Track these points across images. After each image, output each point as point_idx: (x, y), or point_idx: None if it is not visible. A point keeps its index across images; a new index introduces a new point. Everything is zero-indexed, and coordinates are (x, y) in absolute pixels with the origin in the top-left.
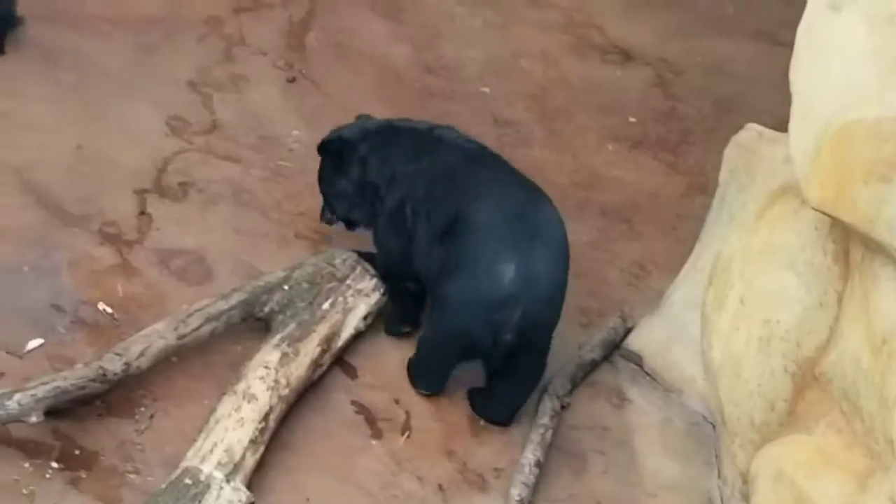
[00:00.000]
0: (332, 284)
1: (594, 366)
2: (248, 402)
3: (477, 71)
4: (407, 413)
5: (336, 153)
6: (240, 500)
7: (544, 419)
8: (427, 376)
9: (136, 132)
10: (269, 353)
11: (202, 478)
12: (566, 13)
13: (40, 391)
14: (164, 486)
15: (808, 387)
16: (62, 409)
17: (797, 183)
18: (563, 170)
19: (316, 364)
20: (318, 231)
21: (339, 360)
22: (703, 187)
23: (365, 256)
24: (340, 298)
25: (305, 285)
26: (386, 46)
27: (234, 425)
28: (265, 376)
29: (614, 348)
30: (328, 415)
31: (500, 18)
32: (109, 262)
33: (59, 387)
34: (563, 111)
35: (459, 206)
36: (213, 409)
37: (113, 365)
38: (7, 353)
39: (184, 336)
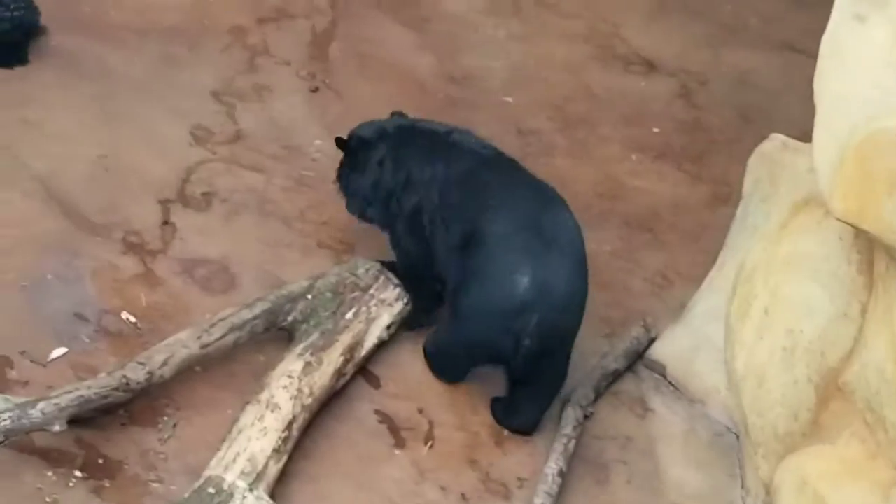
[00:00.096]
0: (356, 294)
1: (617, 376)
2: (272, 411)
3: (500, 81)
4: (430, 422)
5: (353, 151)
6: None
7: (567, 429)
8: (448, 371)
9: (159, 142)
10: (292, 363)
11: (225, 487)
12: (590, 23)
13: (64, 400)
14: (187, 495)
15: (831, 397)
16: (85, 418)
17: (821, 193)
18: (586, 180)
19: (339, 373)
20: (342, 241)
21: (362, 370)
22: (726, 197)
23: (388, 266)
24: (364, 308)
25: (329, 295)
26: (409, 56)
27: (257, 434)
28: (288, 385)
29: (637, 358)
30: (351, 424)
31: (523, 29)
32: (133, 272)
33: (82, 396)
34: (586, 121)
35: (474, 216)
36: (237, 419)
37: (136, 374)
38: (31, 361)
39: (207, 345)
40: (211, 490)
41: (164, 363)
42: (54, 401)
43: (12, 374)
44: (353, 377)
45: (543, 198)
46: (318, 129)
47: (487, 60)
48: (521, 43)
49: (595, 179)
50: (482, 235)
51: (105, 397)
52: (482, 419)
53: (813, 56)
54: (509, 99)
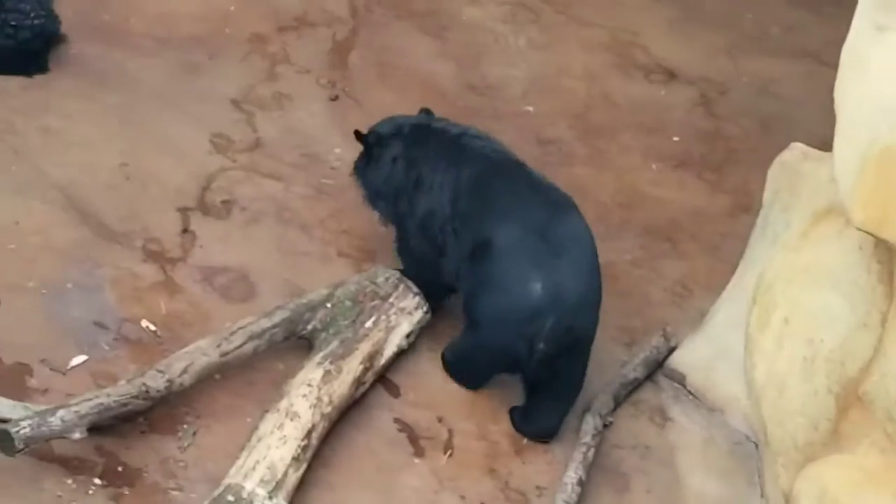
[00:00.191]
0: (375, 303)
1: (637, 385)
2: (291, 419)
3: (521, 90)
4: (449, 431)
5: (370, 146)
6: None
7: (587, 438)
8: (467, 378)
9: (179, 150)
10: (311, 371)
11: (245, 495)
12: (610, 32)
13: (83, 408)
14: (206, 502)
15: (851, 407)
16: (105, 426)
17: (841, 203)
18: (606, 189)
19: (358, 382)
20: (361, 249)
21: (381, 378)
22: (746, 207)
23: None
24: (383, 317)
25: (348, 303)
26: (429, 65)
27: (276, 443)
28: (308, 394)
29: (657, 367)
30: (370, 433)
31: (544, 37)
32: (152, 280)
33: (102, 403)
34: (606, 130)
35: (483, 226)
36: (256, 427)
37: (156, 382)
38: (50, 369)
39: (227, 353)
40: (230, 498)
41: (184, 371)
42: (74, 408)
43: (32, 382)
44: (372, 386)
45: (552, 202)
46: (338, 138)
47: (507, 69)
48: (541, 52)
49: (615, 188)
50: (492, 243)
51: (125, 405)
52: (501, 428)
53: (834, 66)
54: (529, 108)
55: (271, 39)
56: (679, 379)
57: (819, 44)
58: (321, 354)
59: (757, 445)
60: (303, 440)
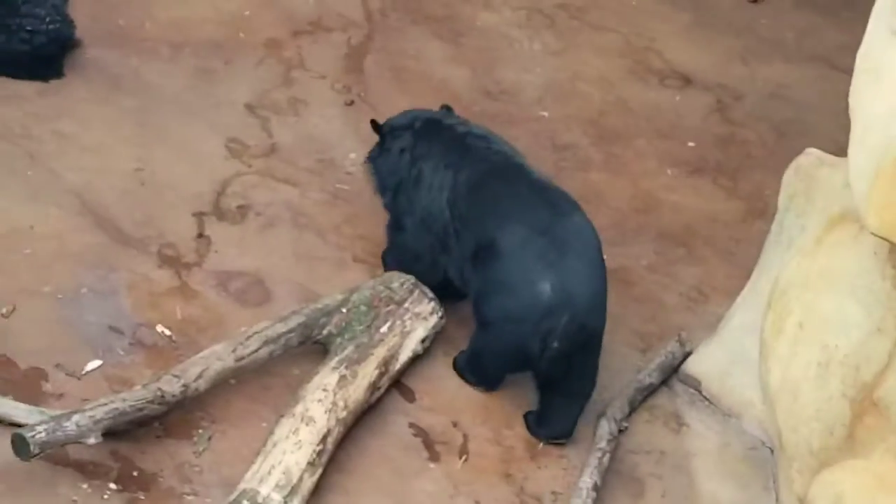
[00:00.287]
0: (390, 308)
1: (652, 390)
2: (306, 424)
3: (536, 95)
4: (465, 436)
5: (384, 136)
6: None
7: (602, 443)
8: (483, 377)
9: (195, 155)
10: (326, 376)
11: (260, 500)
12: (625, 38)
13: (99, 412)
14: None
15: (866, 412)
16: (120, 431)
17: (856, 208)
18: (621, 194)
19: (374, 387)
20: (376, 255)
21: (396, 383)
22: (761, 212)
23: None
24: (398, 322)
25: (363, 308)
26: (444, 70)
27: (291, 447)
28: (323, 399)
29: (672, 372)
30: (386, 437)
31: (559, 43)
32: (168, 285)
33: (117, 408)
34: (621, 135)
35: (487, 228)
36: (271, 432)
37: (171, 387)
38: (66, 374)
39: (242, 358)
40: (246, 502)
41: (199, 376)
42: (89, 413)
43: (47, 387)
44: (387, 390)
45: (554, 201)
46: (353, 143)
47: (522, 74)
48: (556, 57)
49: (630, 194)
50: (498, 244)
51: (140, 410)
52: (517, 433)
53: (849, 71)
54: (544, 113)
55: (286, 44)
56: (694, 384)
57: (834, 49)
58: (336, 359)
59: (772, 451)
60: (318, 445)
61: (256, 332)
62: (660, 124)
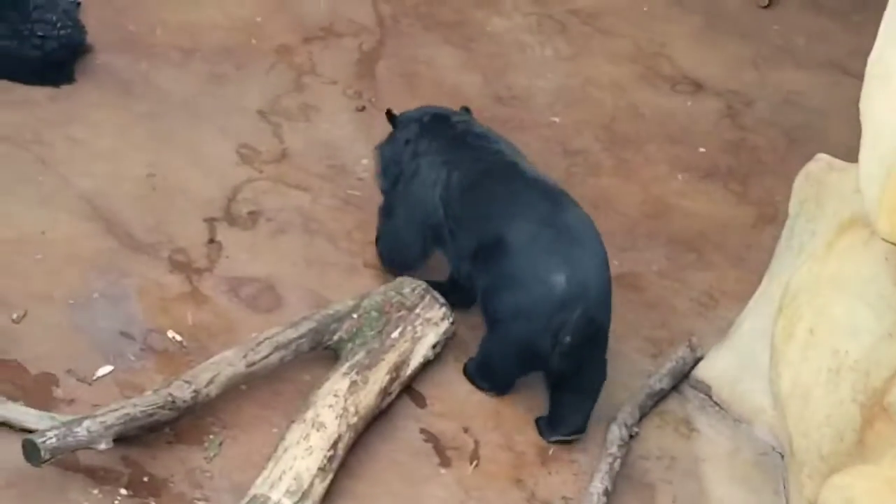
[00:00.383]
0: (402, 313)
1: (663, 395)
2: (317, 430)
3: (547, 101)
4: (475, 442)
5: (395, 126)
6: None
7: (612, 448)
8: (494, 380)
9: (206, 161)
10: (337, 382)
11: None
12: (636, 43)
13: (109, 418)
14: None
15: (876, 417)
16: (131, 436)
17: (867, 214)
18: (632, 199)
19: (385, 392)
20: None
21: (407, 389)
22: (772, 218)
23: (434, 286)
24: (409, 327)
25: (374, 314)
26: (456, 76)
27: (302, 453)
28: (334, 404)
29: (683, 378)
30: (396, 443)
31: (570, 48)
32: (179, 290)
33: (128, 414)
34: (632, 141)
35: (489, 226)
36: (282, 437)
37: (182, 392)
38: (77, 379)
39: (253, 364)
40: None
41: (210, 381)
42: (100, 419)
43: (58, 392)
44: (398, 396)
45: (551, 195)
46: (365, 149)
47: (534, 80)
48: (567, 63)
49: (641, 199)
50: (505, 240)
51: (151, 415)
52: (528, 438)
53: (860, 76)
54: (556, 118)
55: (298, 50)
56: (705, 390)
57: (845, 54)
58: (347, 365)
59: (782, 456)
60: (329, 450)
61: (267, 338)
62: (671, 130)
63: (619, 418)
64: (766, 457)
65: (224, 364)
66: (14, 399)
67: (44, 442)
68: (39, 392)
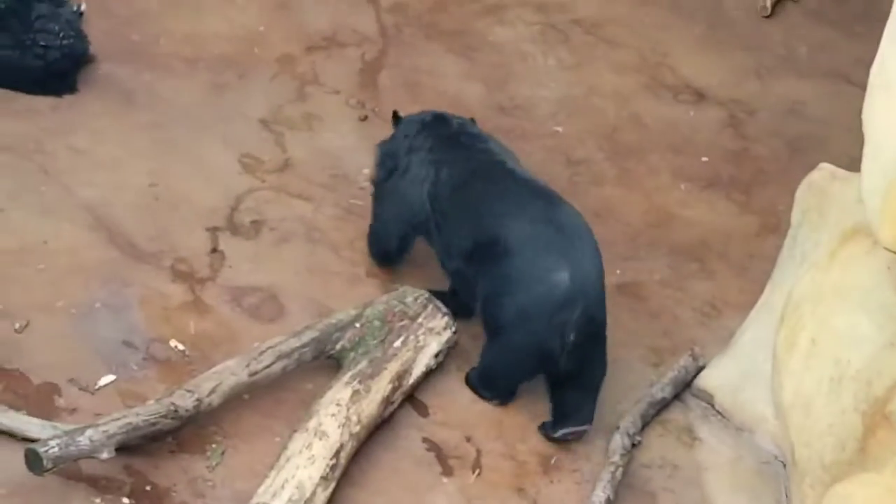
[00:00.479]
0: (404, 322)
1: (665, 404)
2: (320, 439)
3: (550, 110)
4: (478, 451)
5: (397, 125)
6: None
7: (615, 457)
8: (497, 389)
9: (208, 170)
10: (340, 391)
11: None
12: (639, 53)
13: (112, 427)
14: None
15: (878, 426)
16: (134, 446)
17: (869, 223)
18: (635, 209)
19: (387, 401)
20: (389, 269)
21: (410, 398)
22: (775, 227)
23: (436, 294)
24: (412, 336)
25: (377, 323)
26: (459, 85)
27: (305, 462)
28: (336, 413)
29: (685, 387)
30: (399, 452)
31: (573, 58)
32: (181, 300)
33: (130, 423)
34: (635, 150)
35: (483, 228)
36: (285, 446)
37: (184, 401)
38: (79, 389)
39: (255, 373)
40: None
41: (213, 391)
42: (102, 428)
43: (60, 402)
44: (400, 405)
45: (544, 193)
46: (367, 158)
47: (536, 89)
48: (570, 72)
49: (644, 209)
50: (502, 241)
51: (153, 424)
52: (530, 447)
53: (862, 86)
54: (558, 128)
55: (300, 60)
56: (707, 399)
57: (848, 64)
58: (350, 374)
59: (784, 465)
60: (331, 459)
61: (270, 347)
62: (673, 139)
63: (622, 427)
64: (769, 466)
65: (226, 373)
66: (16, 408)
67: (46, 451)
68: (42, 401)
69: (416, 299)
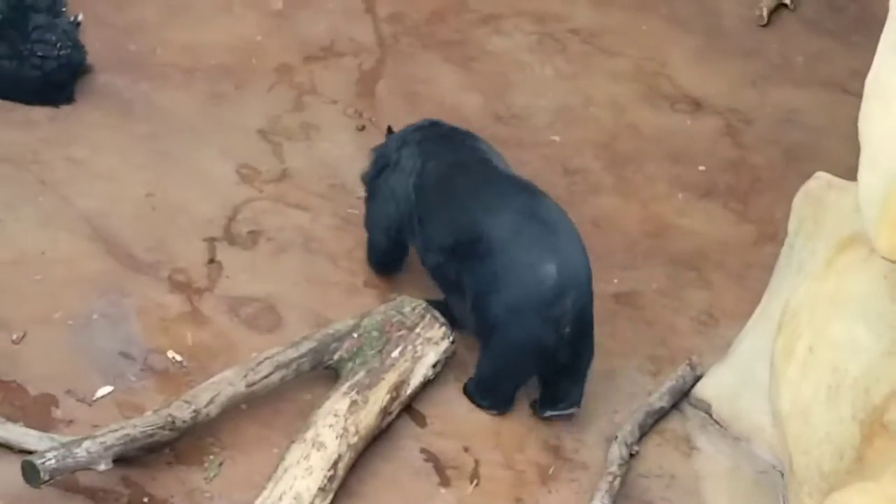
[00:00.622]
0: (402, 333)
1: (663, 414)
2: (317, 449)
3: (547, 119)
4: (476, 461)
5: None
6: None
7: (613, 467)
8: (496, 396)
9: (206, 180)
10: (338, 401)
11: None
12: (636, 62)
13: (109, 439)
14: None
15: (876, 435)
16: (131, 457)
17: (866, 232)
18: (632, 218)
19: (385, 412)
20: (387, 279)
21: (407, 408)
22: (772, 236)
23: (434, 305)
24: (410, 346)
25: (375, 333)
26: (456, 95)
27: (302, 473)
28: (334, 424)
29: (683, 396)
30: (397, 463)
31: (570, 67)
32: (179, 310)
33: (128, 434)
34: (632, 159)
35: (467, 223)
36: (282, 457)
37: (182, 412)
38: (76, 400)
39: (253, 384)
40: None
41: (210, 402)
42: (100, 440)
43: (58, 413)
44: (398, 416)
45: (525, 186)
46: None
47: (534, 99)
48: (567, 81)
49: (641, 218)
50: (487, 237)
51: (151, 436)
52: (528, 457)
53: (859, 95)
54: (556, 137)
55: (298, 70)
56: (705, 408)
57: (844, 73)
58: (348, 384)
59: (782, 474)
60: (329, 470)
61: (268, 358)
62: (671, 148)
63: (620, 437)
64: (766, 475)
65: (224, 384)
66: (13, 420)
67: (43, 463)
68: (39, 413)
69: (413, 309)
